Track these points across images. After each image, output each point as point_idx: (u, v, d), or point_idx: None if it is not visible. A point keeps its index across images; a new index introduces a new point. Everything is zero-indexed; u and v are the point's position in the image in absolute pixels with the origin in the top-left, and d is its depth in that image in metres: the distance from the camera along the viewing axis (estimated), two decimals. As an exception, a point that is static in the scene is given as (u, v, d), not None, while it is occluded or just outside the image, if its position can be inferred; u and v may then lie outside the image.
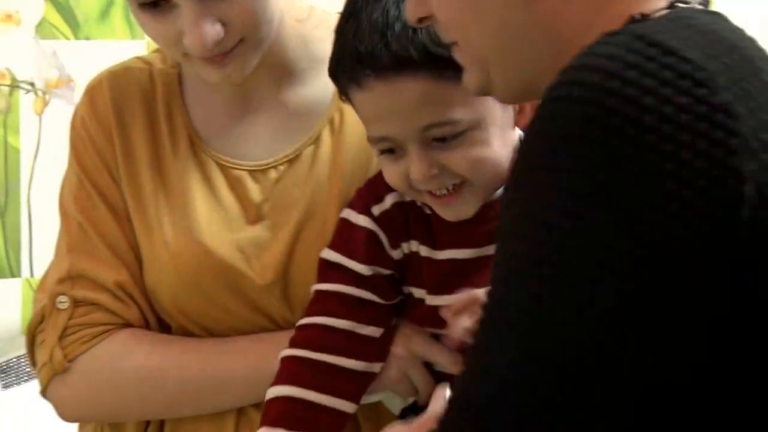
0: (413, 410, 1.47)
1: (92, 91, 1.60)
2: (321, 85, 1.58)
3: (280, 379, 1.42)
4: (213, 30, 1.42)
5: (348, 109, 1.56)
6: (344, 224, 1.47)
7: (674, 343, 0.94)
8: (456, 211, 1.37)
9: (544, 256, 0.96)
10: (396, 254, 1.44)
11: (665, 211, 0.93)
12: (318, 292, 1.45)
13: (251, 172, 1.58)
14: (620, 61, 0.96)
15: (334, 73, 1.37)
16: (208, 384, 1.56)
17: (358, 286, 1.44)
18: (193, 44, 1.42)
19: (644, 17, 1.05)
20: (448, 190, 1.35)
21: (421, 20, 1.22)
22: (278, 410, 1.41)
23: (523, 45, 1.16)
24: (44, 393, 1.58)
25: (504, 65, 1.18)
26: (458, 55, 1.22)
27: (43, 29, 2.66)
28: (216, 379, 1.55)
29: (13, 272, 2.76)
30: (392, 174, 1.38)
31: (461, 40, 1.19)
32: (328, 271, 1.44)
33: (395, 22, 1.30)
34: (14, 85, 2.60)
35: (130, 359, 1.58)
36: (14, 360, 2.55)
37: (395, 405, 1.55)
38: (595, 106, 0.95)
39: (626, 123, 0.94)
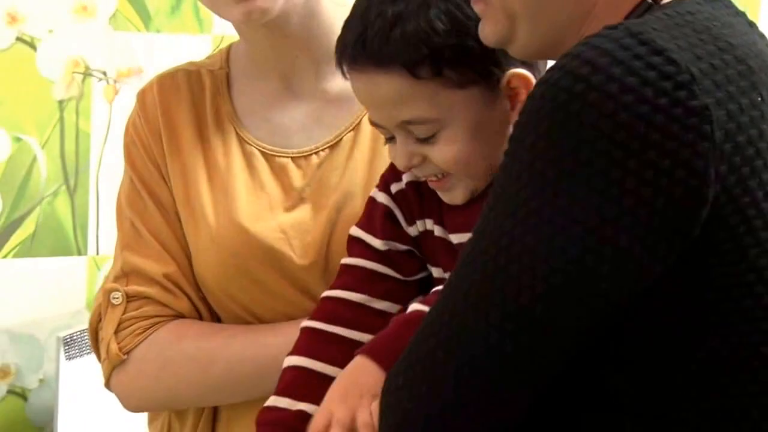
0: None
1: (143, 95, 1.69)
2: None
3: (295, 349, 1.47)
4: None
5: None
6: (369, 202, 1.53)
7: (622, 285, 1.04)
8: (447, 196, 1.42)
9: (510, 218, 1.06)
10: (412, 231, 1.48)
11: (621, 205, 1.02)
12: (341, 266, 1.50)
13: (294, 158, 1.65)
14: (610, 57, 1.04)
15: (336, 58, 1.41)
16: (253, 367, 1.60)
17: (374, 260, 1.48)
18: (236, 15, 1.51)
19: (655, 2, 1.15)
20: (436, 176, 1.40)
21: None
22: (287, 380, 1.46)
23: (555, 6, 1.22)
24: (107, 386, 1.65)
25: (533, 22, 1.23)
26: (482, 8, 1.26)
27: (116, 21, 2.71)
28: (260, 361, 1.59)
29: (80, 250, 2.83)
30: (391, 157, 1.45)
31: None
32: (351, 246, 1.50)
33: (376, 20, 1.33)
34: (87, 73, 2.66)
35: (180, 347, 1.64)
36: (78, 333, 2.61)
37: None
38: (577, 99, 1.03)
39: (601, 118, 1.02)
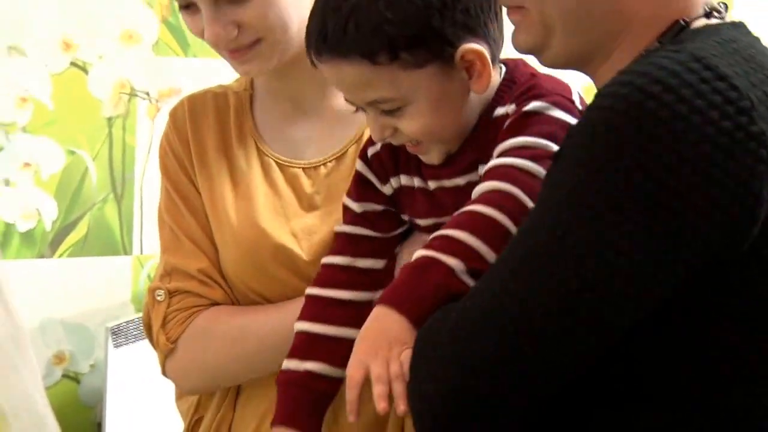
0: None
1: (174, 112, 1.81)
2: None
3: (301, 315, 1.57)
4: (224, 31, 1.59)
5: None
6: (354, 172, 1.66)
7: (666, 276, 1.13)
8: (425, 158, 1.51)
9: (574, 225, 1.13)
10: (386, 189, 1.57)
11: (683, 216, 1.09)
12: (334, 234, 1.64)
13: (305, 169, 1.76)
14: (679, 79, 1.09)
15: (305, 48, 1.49)
16: (280, 338, 1.67)
17: (353, 223, 1.58)
18: (208, 40, 1.61)
19: (687, 24, 1.23)
20: (411, 143, 1.49)
21: None
22: (296, 343, 1.58)
23: (593, 21, 1.28)
24: (164, 374, 1.78)
25: (569, 35, 1.30)
26: (519, 18, 1.33)
27: (158, 47, 2.85)
28: (285, 332, 1.66)
29: (126, 250, 3.00)
30: (369, 128, 1.55)
31: (533, 6, 1.30)
32: (342, 214, 1.61)
33: (335, 13, 1.42)
34: (132, 94, 2.82)
35: (217, 328, 1.75)
36: (124, 324, 2.81)
37: None
38: (648, 115, 1.08)
39: (670, 136, 1.08)
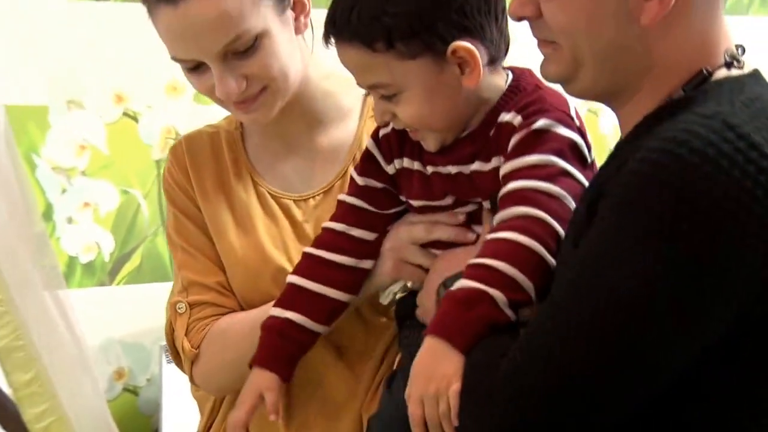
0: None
1: (174, 150, 1.91)
2: (345, 130, 1.88)
3: (294, 270, 1.68)
4: (235, 84, 1.68)
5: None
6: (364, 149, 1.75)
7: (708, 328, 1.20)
8: (424, 144, 1.59)
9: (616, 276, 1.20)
10: (390, 169, 1.64)
11: (724, 267, 1.16)
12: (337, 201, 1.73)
13: (296, 201, 1.85)
14: (715, 149, 1.14)
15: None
16: None
17: (355, 195, 1.67)
18: (220, 95, 1.68)
19: (710, 74, 1.28)
20: (409, 129, 1.58)
21: (521, 18, 1.42)
22: (283, 293, 1.67)
23: (622, 58, 1.34)
24: (192, 381, 1.88)
25: (597, 71, 1.36)
26: (549, 51, 1.40)
27: (199, 98, 2.88)
28: None
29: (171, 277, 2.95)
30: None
31: (565, 42, 1.36)
32: (348, 186, 1.72)
33: (342, 3, 1.53)
34: (177, 139, 2.78)
35: (233, 327, 1.82)
36: None
37: (388, 297, 1.73)
38: (688, 186, 1.14)
39: (710, 203, 1.14)
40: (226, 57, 1.63)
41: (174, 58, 1.72)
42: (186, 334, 1.85)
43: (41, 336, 1.75)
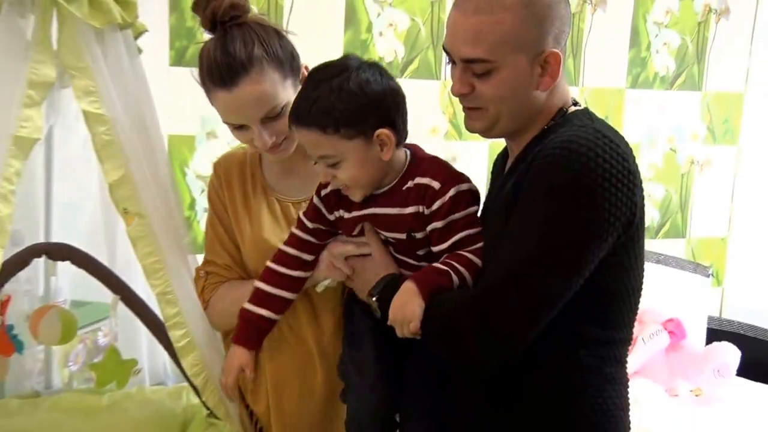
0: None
1: (216, 165, 2.21)
2: None
3: (259, 277, 2.00)
4: (269, 138, 1.97)
5: None
6: (310, 200, 1.96)
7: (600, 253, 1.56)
8: (351, 197, 1.86)
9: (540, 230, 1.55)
10: (331, 217, 1.92)
11: (604, 216, 1.52)
12: (290, 233, 1.98)
13: (294, 203, 2.15)
14: (593, 143, 1.52)
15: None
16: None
17: (304, 232, 1.96)
18: (259, 146, 1.99)
19: (566, 111, 1.68)
20: (343, 187, 1.82)
21: (460, 95, 1.70)
22: (254, 294, 2.00)
23: (526, 112, 1.67)
24: (208, 318, 2.23)
25: (510, 122, 1.68)
26: (476, 114, 1.70)
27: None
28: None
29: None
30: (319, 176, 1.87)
31: (492, 107, 1.66)
32: (297, 223, 1.98)
33: (303, 100, 1.77)
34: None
35: (232, 290, 2.17)
36: None
37: (320, 288, 2.06)
38: (583, 163, 1.50)
39: (594, 174, 1.50)
40: (263, 121, 1.96)
41: (225, 122, 2.02)
42: (201, 292, 2.22)
43: (180, 285, 2.23)
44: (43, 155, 2.38)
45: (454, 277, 1.71)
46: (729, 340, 4.03)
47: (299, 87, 1.91)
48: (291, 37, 2.04)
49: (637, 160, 1.64)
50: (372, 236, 1.87)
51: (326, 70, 1.76)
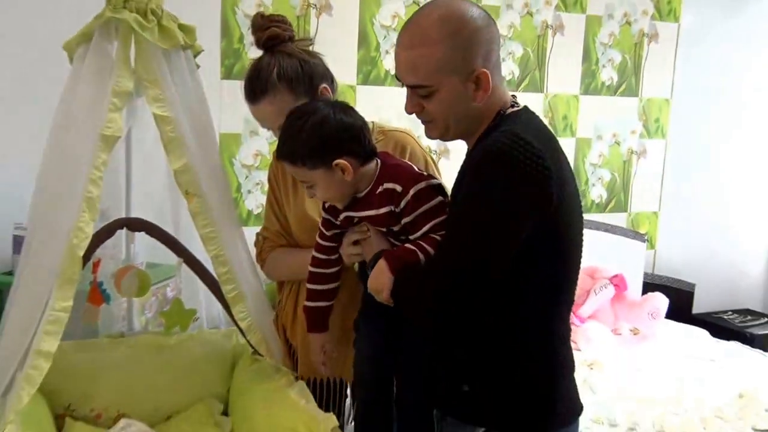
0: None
1: (274, 153, 1.98)
2: None
3: (308, 280, 2.00)
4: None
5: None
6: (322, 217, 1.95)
7: (521, 236, 1.50)
8: (337, 206, 1.84)
9: (477, 214, 1.50)
10: (337, 222, 1.90)
11: (527, 200, 1.48)
12: (317, 242, 1.97)
13: None
14: (514, 143, 1.47)
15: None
16: (299, 263, 2.11)
17: (325, 240, 1.96)
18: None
19: (504, 112, 1.61)
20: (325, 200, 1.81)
21: (411, 113, 1.65)
22: (308, 294, 2.01)
23: (469, 119, 1.63)
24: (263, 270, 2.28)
25: (458, 129, 1.65)
26: (430, 125, 1.66)
27: None
28: (301, 261, 2.07)
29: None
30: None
31: (440, 121, 1.62)
32: (319, 234, 1.96)
33: (283, 138, 1.77)
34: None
35: (280, 255, 2.23)
36: None
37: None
38: (507, 158, 1.47)
39: (514, 166, 1.46)
40: (280, 128, 1.89)
41: (261, 126, 2.10)
42: (259, 253, 2.29)
43: (230, 249, 2.28)
44: (125, 149, 2.41)
45: (421, 255, 1.66)
46: (659, 291, 4.11)
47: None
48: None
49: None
50: (369, 225, 1.85)
51: (295, 113, 1.77)
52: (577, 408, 1.71)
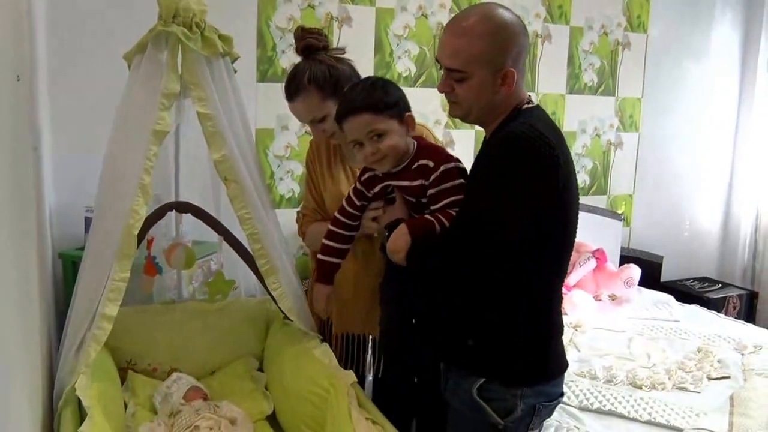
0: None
1: (311, 141, 2.25)
2: None
3: (324, 236, 1.97)
4: (319, 133, 2.09)
5: None
6: (355, 186, 1.92)
7: (529, 220, 1.48)
8: (379, 168, 1.80)
9: (489, 198, 1.49)
10: (369, 194, 1.89)
11: (537, 182, 1.47)
12: (343, 208, 1.94)
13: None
14: (529, 132, 1.49)
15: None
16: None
17: (352, 208, 1.94)
18: (315, 138, 2.14)
19: (521, 107, 1.60)
20: (377, 158, 1.75)
21: (443, 92, 1.64)
22: (323, 248, 1.98)
23: (489, 108, 1.62)
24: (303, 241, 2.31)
25: (477, 113, 1.63)
26: (455, 106, 1.63)
27: None
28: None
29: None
30: (359, 157, 1.79)
31: (464, 103, 1.61)
32: (348, 201, 1.94)
33: (353, 93, 1.76)
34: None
35: (316, 227, 2.20)
36: None
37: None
38: (523, 145, 1.47)
39: (529, 154, 1.47)
40: (312, 123, 2.06)
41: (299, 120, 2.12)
42: (300, 227, 2.31)
43: (263, 228, 2.24)
44: (174, 143, 2.39)
45: (437, 225, 1.64)
46: (633, 263, 4.11)
47: None
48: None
49: (574, 143, 1.53)
50: (398, 193, 1.82)
51: (363, 80, 1.79)
52: (563, 365, 1.70)
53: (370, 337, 2.20)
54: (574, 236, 1.63)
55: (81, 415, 1.76)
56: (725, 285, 4.66)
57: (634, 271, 3.98)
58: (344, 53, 2.10)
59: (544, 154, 1.45)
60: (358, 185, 1.87)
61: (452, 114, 1.65)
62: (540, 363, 1.63)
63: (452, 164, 1.72)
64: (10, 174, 1.47)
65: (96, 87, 2.81)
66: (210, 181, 2.44)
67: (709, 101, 4.75)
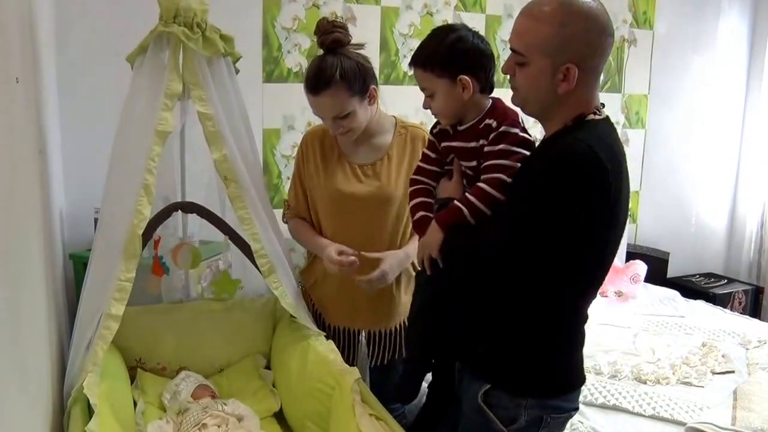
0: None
1: (306, 134, 2.23)
2: (384, 139, 2.15)
3: (412, 195, 1.79)
4: (337, 130, 2.05)
5: (395, 144, 2.10)
6: (428, 139, 1.82)
7: (576, 234, 1.41)
8: (442, 125, 1.71)
9: (537, 214, 1.41)
10: (440, 147, 1.78)
11: (581, 209, 1.40)
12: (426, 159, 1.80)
13: (360, 166, 2.15)
14: (585, 154, 1.39)
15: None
16: (310, 241, 2.19)
17: (428, 162, 1.81)
18: (332, 132, 2.07)
19: (584, 116, 1.48)
20: (437, 113, 1.68)
21: (507, 74, 1.55)
22: (411, 193, 1.80)
23: (547, 102, 1.53)
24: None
25: (534, 105, 1.56)
26: (515, 92, 1.55)
27: None
28: (315, 243, 2.16)
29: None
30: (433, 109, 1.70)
31: (521, 91, 1.54)
32: (423, 157, 1.81)
33: (422, 49, 1.67)
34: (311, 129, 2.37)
35: (300, 226, 2.24)
36: None
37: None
38: (578, 166, 1.39)
39: (586, 174, 1.39)
40: (334, 119, 2.02)
41: (314, 114, 2.06)
42: (284, 215, 2.31)
43: (262, 228, 2.23)
44: (179, 143, 2.35)
45: (466, 211, 1.56)
46: (640, 259, 4.10)
47: (366, 102, 1.98)
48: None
49: None
50: (456, 165, 1.73)
51: (439, 29, 1.69)
52: (578, 380, 1.65)
53: (362, 331, 2.23)
54: (610, 264, 1.57)
55: (90, 413, 1.76)
56: (731, 281, 4.63)
57: (640, 268, 3.96)
58: (363, 48, 2.07)
59: (595, 181, 1.38)
60: (430, 137, 1.81)
61: (512, 101, 1.58)
62: (549, 377, 1.59)
63: (515, 129, 1.62)
64: (10, 177, 1.46)
65: (105, 88, 2.78)
66: (216, 182, 2.41)
67: (715, 98, 4.70)
